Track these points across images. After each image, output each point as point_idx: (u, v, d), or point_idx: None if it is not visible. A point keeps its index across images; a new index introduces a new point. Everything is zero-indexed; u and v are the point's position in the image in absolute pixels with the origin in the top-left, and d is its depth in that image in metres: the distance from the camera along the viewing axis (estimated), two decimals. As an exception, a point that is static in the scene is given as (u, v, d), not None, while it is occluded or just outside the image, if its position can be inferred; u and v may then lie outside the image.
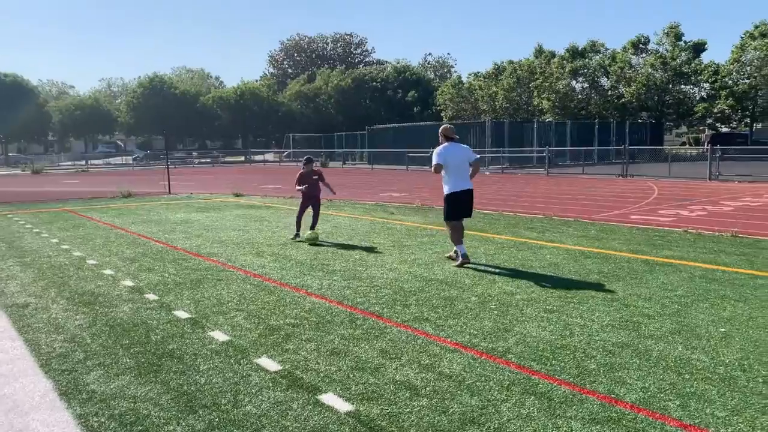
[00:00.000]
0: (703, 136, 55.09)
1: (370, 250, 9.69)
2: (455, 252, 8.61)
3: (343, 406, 4.04)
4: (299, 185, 11.08)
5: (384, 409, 3.97)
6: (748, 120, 48.69)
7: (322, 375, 4.56)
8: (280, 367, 4.72)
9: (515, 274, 7.79)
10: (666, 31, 48.11)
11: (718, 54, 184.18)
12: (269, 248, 9.96)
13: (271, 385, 4.40)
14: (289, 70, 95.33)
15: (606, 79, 50.62)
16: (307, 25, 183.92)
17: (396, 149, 41.06)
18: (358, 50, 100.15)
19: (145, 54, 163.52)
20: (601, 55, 50.84)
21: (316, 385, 4.37)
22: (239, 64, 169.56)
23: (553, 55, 52.88)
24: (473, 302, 6.44)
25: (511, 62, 56.13)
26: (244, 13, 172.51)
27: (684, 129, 56.21)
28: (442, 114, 61.67)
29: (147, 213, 15.59)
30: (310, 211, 11.15)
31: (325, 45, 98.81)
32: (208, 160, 59.66)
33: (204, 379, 4.53)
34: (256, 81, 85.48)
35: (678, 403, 3.97)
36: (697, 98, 49.19)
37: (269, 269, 8.32)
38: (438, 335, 5.41)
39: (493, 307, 6.26)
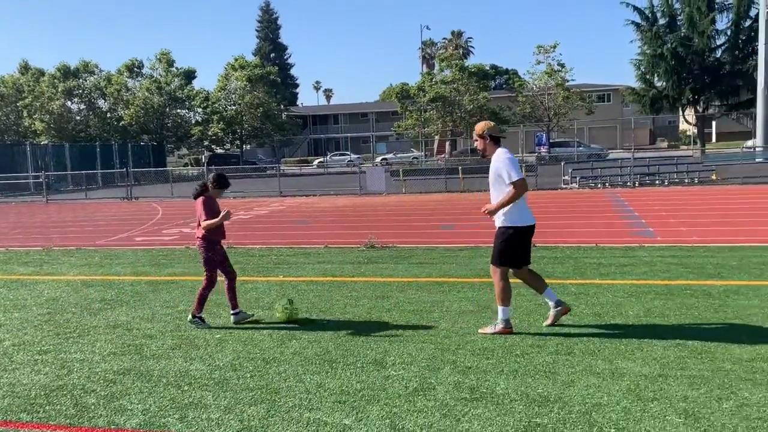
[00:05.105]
0: (203, 157, 59.16)
1: None
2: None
3: None
4: (212, 218, 6.14)
5: None
6: (238, 142, 54.49)
7: None
8: None
9: (10, 317, 6.86)
10: (158, 57, 49.98)
11: (207, 82, 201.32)
12: None
13: None
14: None
15: (104, 101, 49.53)
16: None
17: None
18: None
19: None
20: (96, 77, 49.47)
21: None
22: None
23: (42, 73, 48.97)
24: (-54, 361, 5.40)
25: (-9, 77, 49.57)
26: None
27: (185, 150, 59.26)
28: None
29: None
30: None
31: None
32: None
33: None
34: None
35: (177, 416, 4.13)
36: (193, 122, 52.66)
37: None
38: None
39: (-26, 361, 5.37)
